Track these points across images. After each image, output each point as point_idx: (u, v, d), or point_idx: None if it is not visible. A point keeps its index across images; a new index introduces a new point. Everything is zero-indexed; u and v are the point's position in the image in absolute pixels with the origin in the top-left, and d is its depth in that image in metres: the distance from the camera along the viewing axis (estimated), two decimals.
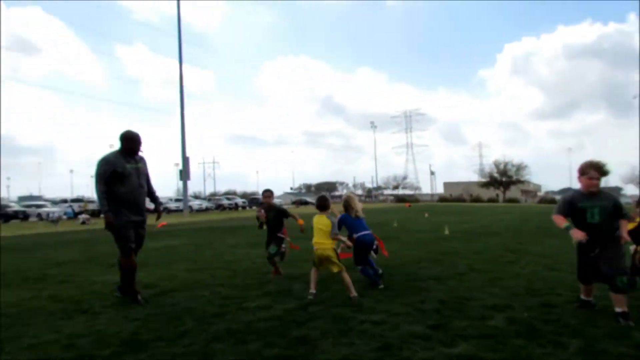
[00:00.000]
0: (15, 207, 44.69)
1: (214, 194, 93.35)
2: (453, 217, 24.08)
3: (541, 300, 5.20)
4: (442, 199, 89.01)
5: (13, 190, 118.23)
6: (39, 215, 41.43)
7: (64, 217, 37.62)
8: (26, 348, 4.00)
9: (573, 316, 4.56)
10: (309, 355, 3.64)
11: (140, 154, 5.95)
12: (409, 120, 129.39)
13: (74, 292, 6.37)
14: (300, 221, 7.03)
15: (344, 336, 4.09)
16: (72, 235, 18.61)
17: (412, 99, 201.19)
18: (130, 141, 5.80)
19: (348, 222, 6.42)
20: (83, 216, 31.14)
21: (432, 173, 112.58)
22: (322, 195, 6.06)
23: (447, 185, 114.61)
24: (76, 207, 43.05)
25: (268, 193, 7.54)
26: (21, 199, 65.31)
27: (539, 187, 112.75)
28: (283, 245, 7.34)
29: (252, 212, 48.56)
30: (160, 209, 6.38)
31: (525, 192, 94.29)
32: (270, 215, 7.27)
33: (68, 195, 73.50)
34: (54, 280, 7.50)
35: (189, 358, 3.64)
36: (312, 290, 5.66)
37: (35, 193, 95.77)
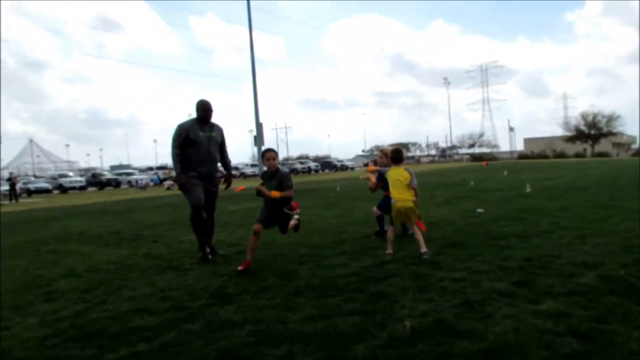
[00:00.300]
0: (108, 176, 48.48)
1: (287, 159, 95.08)
2: (535, 174, 22.88)
3: (639, 257, 4.83)
4: (522, 156, 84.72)
5: (105, 160, 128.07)
6: (129, 182, 44.69)
7: (151, 183, 40.23)
8: (127, 299, 4.38)
9: None
10: (388, 309, 3.67)
11: (214, 122, 6.23)
12: (485, 74, 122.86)
13: (164, 251, 6.85)
14: (295, 204, 5.73)
15: (423, 292, 4.06)
16: (159, 200, 19.87)
17: (489, 51, 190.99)
18: (202, 109, 6.10)
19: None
20: (168, 182, 33.07)
21: (511, 129, 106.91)
22: (397, 148, 5.89)
23: (527, 141, 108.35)
24: (161, 174, 45.82)
25: (271, 154, 5.45)
26: (112, 168, 70.48)
27: (633, 139, 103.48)
28: (296, 217, 5.95)
29: (326, 175, 49.02)
30: (230, 176, 6.58)
31: (617, 145, 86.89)
32: (270, 185, 5.43)
33: (153, 163, 78.16)
34: (146, 240, 8.09)
35: (273, 310, 3.80)
36: (389, 250, 5.61)
37: (124, 162, 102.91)
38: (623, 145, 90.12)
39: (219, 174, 6.44)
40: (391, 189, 5.63)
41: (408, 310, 3.62)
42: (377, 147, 8.41)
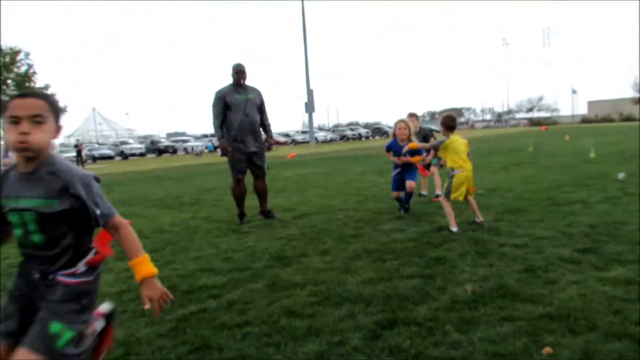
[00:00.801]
0: (166, 143, 50.20)
1: (337, 126, 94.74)
2: (600, 138, 21.66)
3: None
4: (584, 120, 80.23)
5: (162, 128, 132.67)
6: (184, 149, 46.09)
7: (206, 150, 41.34)
8: (193, 259, 4.60)
9: None
10: (448, 274, 3.67)
11: (252, 85, 6.31)
12: (547, 34, 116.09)
13: (224, 214, 7.09)
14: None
15: (482, 258, 4.02)
16: (214, 166, 20.42)
17: (552, 7, 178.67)
18: (235, 72, 6.21)
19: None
20: None
21: (574, 92, 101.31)
22: (449, 114, 5.48)
23: (592, 104, 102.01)
24: (215, 141, 46.94)
25: (24, 102, 1.80)
26: (169, 135, 72.81)
27: None
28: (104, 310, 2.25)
29: (377, 142, 48.52)
30: (270, 140, 6.61)
31: None
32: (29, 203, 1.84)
33: (207, 131, 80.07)
34: (206, 203, 8.41)
35: (332, 272, 3.88)
36: (455, 228, 5.02)
37: (180, 130, 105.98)
38: None
39: (260, 136, 6.42)
40: (454, 158, 5.24)
41: (468, 275, 3.61)
42: (429, 113, 7.91)
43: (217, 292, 3.58)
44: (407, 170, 6.12)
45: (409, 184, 5.99)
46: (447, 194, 5.25)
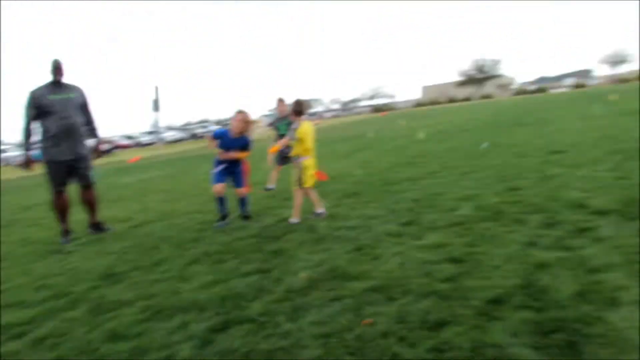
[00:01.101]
0: None
1: (187, 124, 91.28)
2: (428, 120, 24.14)
3: (509, 186, 5.35)
4: (418, 104, 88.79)
5: None
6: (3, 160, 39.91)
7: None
8: None
9: (536, 195, 4.74)
10: (285, 265, 3.67)
11: (73, 84, 5.64)
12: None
13: (44, 234, 6.27)
14: None
15: (319, 244, 4.12)
16: (40, 178, 18.18)
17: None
18: (52, 69, 5.49)
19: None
20: None
21: (406, 75, 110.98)
22: (299, 100, 5.19)
23: (426, 89, 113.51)
24: None
25: None
26: None
27: (512, 80, 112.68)
28: None
29: None
30: (99, 147, 5.93)
31: (500, 87, 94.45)
32: None
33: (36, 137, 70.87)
34: (22, 224, 7.38)
35: (167, 283, 3.63)
36: (298, 219, 5.07)
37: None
38: (504, 86, 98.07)
39: (85, 141, 5.73)
40: (304, 145, 5.04)
41: (305, 263, 3.66)
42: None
43: (21, 330, 3.08)
44: (232, 168, 5.49)
45: (240, 191, 5.48)
46: (301, 184, 5.09)
